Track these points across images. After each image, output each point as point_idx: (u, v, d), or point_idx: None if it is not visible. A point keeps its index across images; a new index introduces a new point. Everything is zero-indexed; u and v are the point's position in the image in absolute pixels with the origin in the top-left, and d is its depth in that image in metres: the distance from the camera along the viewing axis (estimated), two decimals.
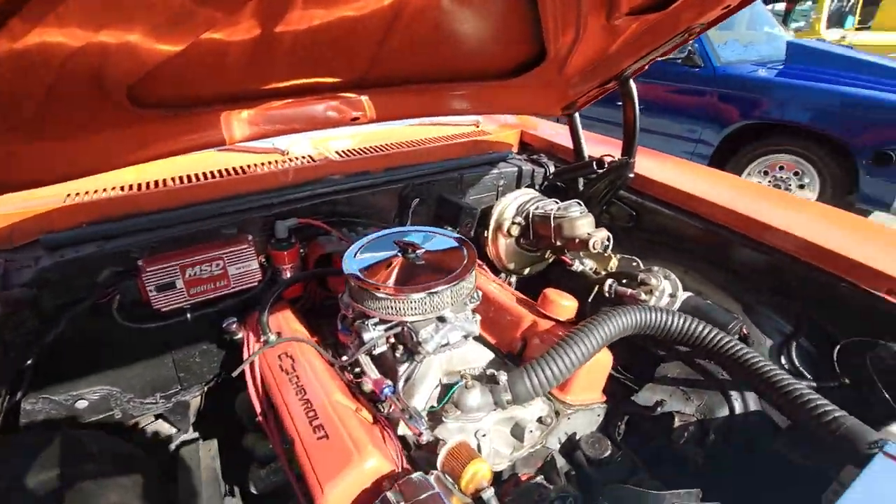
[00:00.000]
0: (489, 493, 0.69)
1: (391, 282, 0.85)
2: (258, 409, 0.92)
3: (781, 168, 3.20)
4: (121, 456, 0.90)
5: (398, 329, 0.87)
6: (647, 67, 1.14)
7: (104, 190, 1.08)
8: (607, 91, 1.24)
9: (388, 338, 0.88)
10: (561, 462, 0.86)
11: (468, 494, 0.70)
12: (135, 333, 1.00)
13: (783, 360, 0.99)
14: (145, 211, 1.05)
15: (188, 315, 1.05)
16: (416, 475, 0.68)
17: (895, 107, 2.78)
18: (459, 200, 1.35)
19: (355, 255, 0.92)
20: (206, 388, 1.21)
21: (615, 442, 0.92)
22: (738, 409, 0.90)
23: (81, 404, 1.02)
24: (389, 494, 0.65)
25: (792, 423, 0.83)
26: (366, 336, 0.85)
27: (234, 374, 0.96)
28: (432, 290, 0.82)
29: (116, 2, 0.57)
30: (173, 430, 1.18)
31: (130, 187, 1.09)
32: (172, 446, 1.16)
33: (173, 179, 1.13)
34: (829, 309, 0.96)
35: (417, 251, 0.92)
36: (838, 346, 0.92)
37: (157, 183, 1.10)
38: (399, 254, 0.91)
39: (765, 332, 1.02)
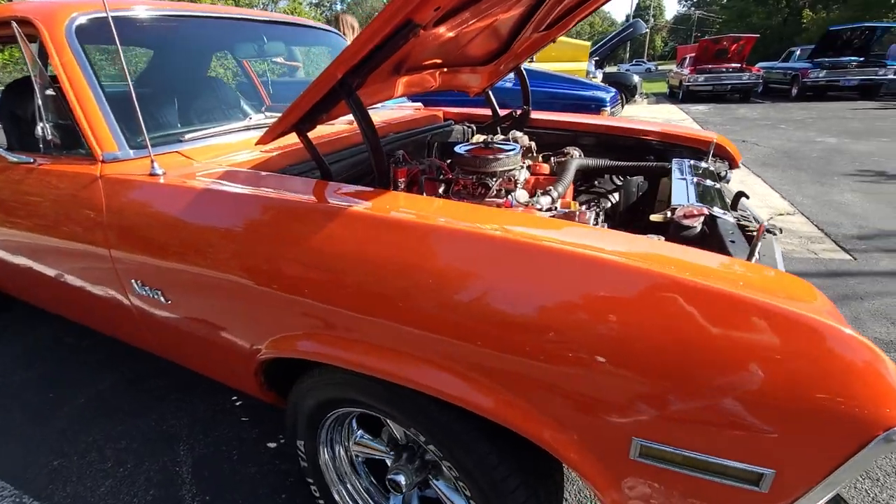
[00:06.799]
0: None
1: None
2: None
3: None
4: None
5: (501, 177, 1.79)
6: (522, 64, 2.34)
7: None
8: (507, 75, 2.40)
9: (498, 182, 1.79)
10: None
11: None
12: None
13: None
14: None
15: None
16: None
17: (569, 96, 5.04)
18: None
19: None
20: None
21: None
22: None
23: None
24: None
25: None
26: (488, 182, 1.75)
27: None
28: (516, 152, 1.78)
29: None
30: None
31: None
32: None
33: None
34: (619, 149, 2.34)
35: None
36: None
37: None
38: (483, 146, 1.83)
39: None
